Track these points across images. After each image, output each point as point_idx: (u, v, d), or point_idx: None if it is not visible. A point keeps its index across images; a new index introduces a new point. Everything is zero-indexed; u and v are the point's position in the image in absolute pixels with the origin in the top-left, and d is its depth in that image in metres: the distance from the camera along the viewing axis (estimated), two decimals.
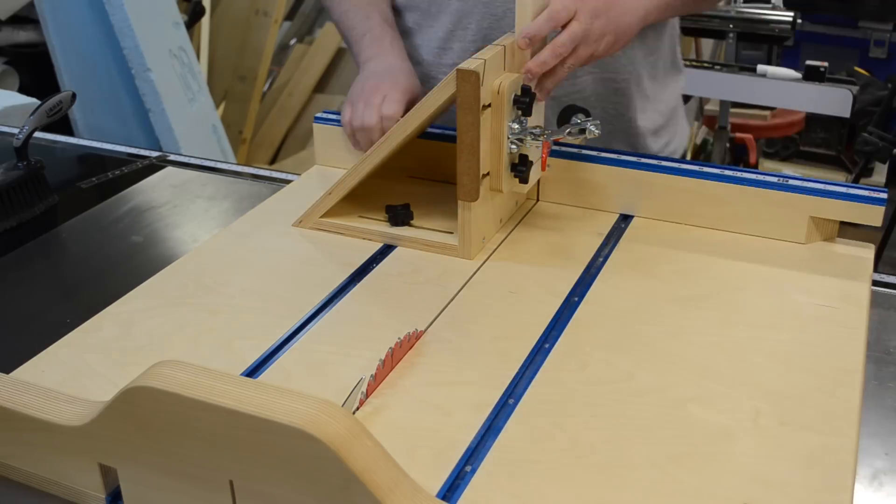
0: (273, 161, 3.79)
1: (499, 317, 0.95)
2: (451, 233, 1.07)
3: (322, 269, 1.04)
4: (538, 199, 1.18)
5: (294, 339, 0.91)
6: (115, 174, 1.37)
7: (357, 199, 1.12)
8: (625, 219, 1.14)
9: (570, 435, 0.78)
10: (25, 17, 3.07)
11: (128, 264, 1.11)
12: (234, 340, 0.91)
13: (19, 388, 0.76)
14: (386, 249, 1.08)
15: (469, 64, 0.96)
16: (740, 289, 0.99)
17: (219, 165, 1.41)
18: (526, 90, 1.03)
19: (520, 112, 1.04)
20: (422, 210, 1.12)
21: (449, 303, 0.97)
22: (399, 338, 0.87)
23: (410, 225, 1.10)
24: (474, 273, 1.02)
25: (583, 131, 1.05)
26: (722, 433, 0.78)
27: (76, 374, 0.87)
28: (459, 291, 0.99)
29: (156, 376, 0.66)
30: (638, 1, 1.09)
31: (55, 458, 0.75)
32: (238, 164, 1.54)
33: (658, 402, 0.82)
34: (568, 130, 1.04)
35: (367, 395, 0.83)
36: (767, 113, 3.87)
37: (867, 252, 1.06)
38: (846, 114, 2.88)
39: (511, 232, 1.11)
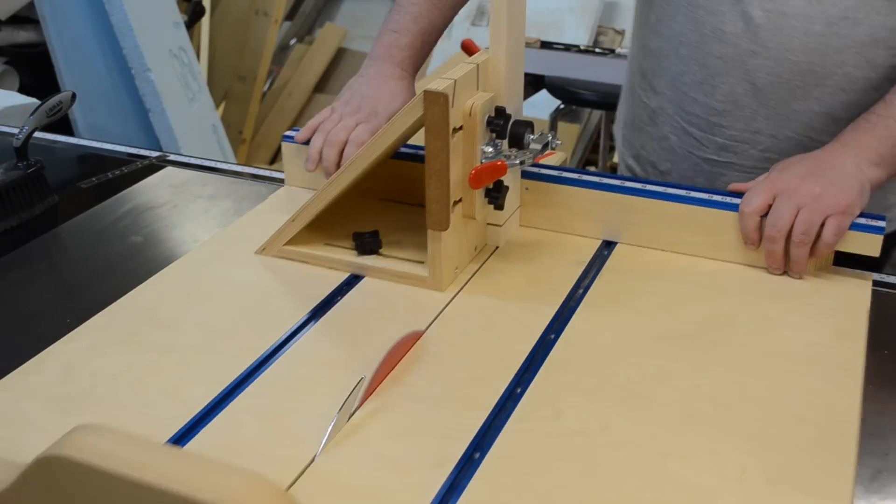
0: (273, 161, 3.76)
1: (468, 357, 0.88)
2: (423, 262, 1.00)
3: (283, 303, 0.97)
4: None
5: (248, 382, 0.85)
6: (114, 174, 1.36)
7: (324, 224, 1.06)
8: (608, 245, 1.07)
9: (539, 496, 0.71)
10: (25, 17, 3.06)
11: (128, 264, 1.09)
12: (183, 384, 0.85)
13: None
14: (353, 280, 1.01)
15: (437, 85, 0.90)
16: (728, 325, 0.93)
17: (219, 165, 1.38)
18: (500, 111, 0.97)
19: (494, 135, 0.97)
20: (392, 237, 1.06)
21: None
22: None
23: (379, 254, 1.03)
24: (445, 307, 0.96)
25: (546, 146, 0.99)
26: (704, 494, 0.72)
27: (10, 423, 0.81)
28: (428, 328, 0.93)
29: (72, 444, 0.60)
30: (847, 156, 1.01)
31: None
32: (238, 164, 1.52)
33: (636, 457, 0.75)
34: (532, 147, 0.98)
35: (365, 397, 0.82)
36: None
37: (864, 284, 0.99)
38: None
39: (487, 260, 1.05)
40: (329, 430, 0.77)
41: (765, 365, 0.87)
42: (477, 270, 1.03)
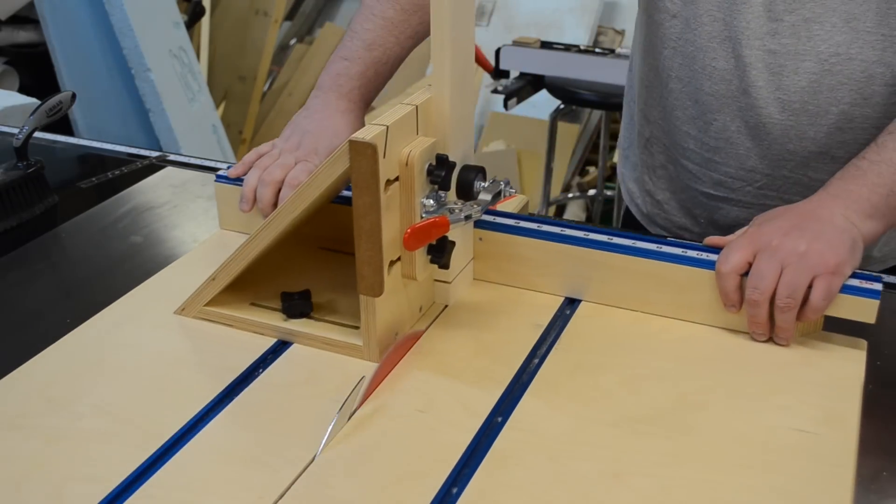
0: None
1: (399, 448, 0.77)
2: (358, 328, 0.88)
3: (196, 377, 0.86)
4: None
5: (143, 480, 0.74)
6: (114, 174, 1.36)
7: (251, 280, 0.94)
8: (570, 303, 0.96)
9: None
10: (25, 17, 3.10)
11: (128, 264, 1.08)
12: (67, 483, 0.74)
13: None
14: (280, 347, 0.90)
15: (366, 132, 0.78)
16: (700, 406, 0.81)
17: (219, 165, 1.34)
18: (442, 160, 0.85)
19: (436, 186, 0.85)
20: (327, 295, 0.94)
21: (341, 428, 0.79)
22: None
23: (310, 317, 0.92)
24: (380, 382, 0.84)
25: (498, 195, 0.88)
26: None
27: None
28: (358, 410, 0.81)
29: None
30: (836, 208, 0.90)
31: None
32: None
33: None
34: (482, 197, 0.87)
35: (365, 398, 0.81)
36: None
37: (858, 354, 0.87)
38: None
39: (433, 322, 0.93)
40: (329, 429, 0.76)
41: (741, 459, 0.75)
42: (422, 334, 0.91)
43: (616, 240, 0.93)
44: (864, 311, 0.86)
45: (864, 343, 0.89)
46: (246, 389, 0.84)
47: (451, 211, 0.86)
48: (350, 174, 0.80)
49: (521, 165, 3.57)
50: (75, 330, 0.93)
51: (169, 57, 2.89)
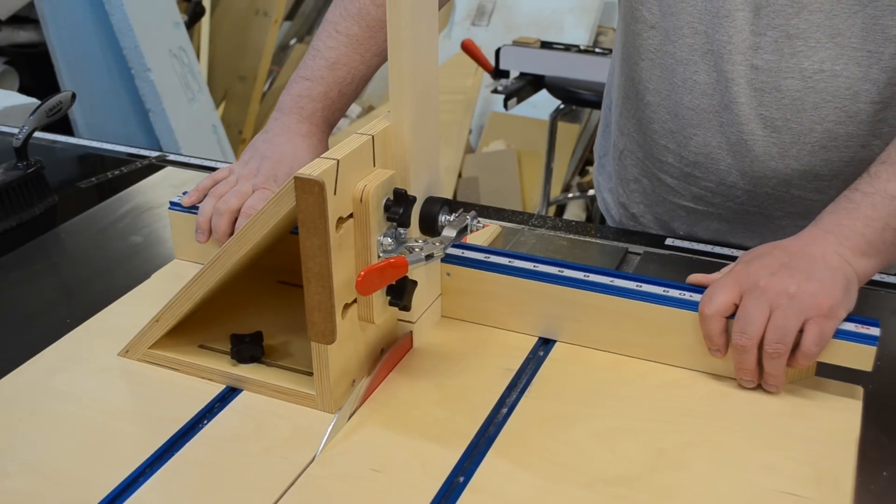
0: None
1: None
2: (311, 374, 0.82)
3: (134, 430, 0.79)
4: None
5: None
6: (114, 174, 1.35)
7: (201, 319, 0.88)
8: (545, 343, 0.89)
9: None
10: (25, 17, 3.10)
11: (127, 264, 1.08)
12: None
13: None
14: (229, 394, 0.83)
15: (313, 168, 0.72)
16: (681, 465, 0.74)
17: (219, 165, 1.34)
18: (400, 195, 0.78)
19: (394, 223, 0.79)
20: (280, 336, 0.88)
21: (288, 488, 0.72)
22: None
23: (261, 361, 0.85)
24: (333, 437, 0.78)
25: (465, 229, 0.81)
26: None
27: None
28: (307, 468, 0.74)
29: None
30: (828, 245, 0.83)
31: None
32: None
33: None
34: (446, 233, 0.80)
35: (365, 398, 0.80)
36: None
37: (853, 404, 0.80)
38: None
39: (396, 365, 0.86)
40: (329, 430, 0.75)
41: None
42: (382, 382, 0.84)
43: (592, 277, 0.86)
44: (861, 357, 0.79)
45: (860, 390, 0.82)
46: (188, 444, 0.77)
47: (411, 250, 0.79)
48: (296, 213, 0.73)
49: (521, 165, 3.53)
50: (11, 374, 0.86)
51: (169, 57, 2.88)
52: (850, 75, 0.94)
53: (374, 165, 0.79)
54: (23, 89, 2.94)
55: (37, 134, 1.22)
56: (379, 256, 0.78)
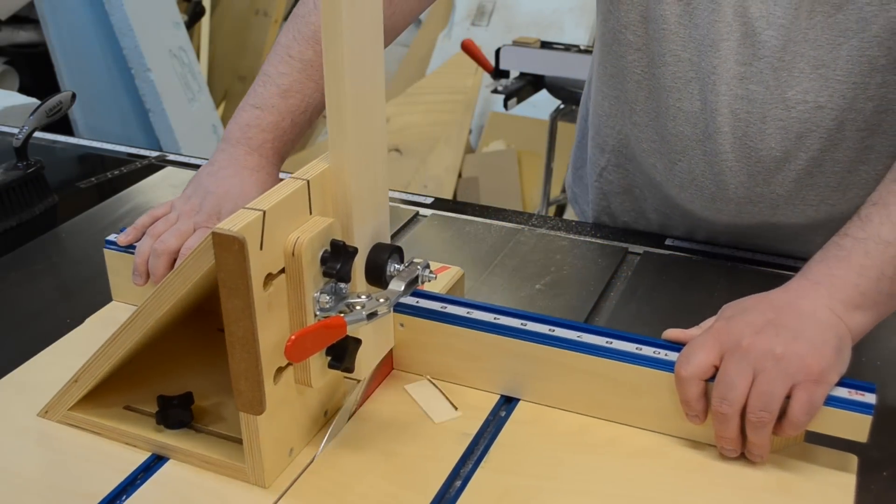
0: None
1: None
2: None
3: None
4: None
5: None
6: (114, 174, 1.36)
7: (127, 376, 0.80)
8: (507, 402, 0.81)
9: None
10: (25, 17, 3.14)
11: None
12: None
13: None
14: (154, 462, 0.75)
15: (233, 222, 0.63)
16: None
17: None
18: (337, 247, 0.70)
19: (332, 278, 0.70)
20: (215, 396, 0.80)
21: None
22: None
23: (191, 426, 0.77)
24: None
25: (415, 281, 0.73)
26: None
27: None
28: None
29: None
30: (819, 299, 0.75)
31: None
32: None
33: None
34: (393, 286, 0.72)
35: (364, 399, 0.78)
36: None
37: (846, 478, 0.72)
38: None
39: (336, 437, 0.78)
40: (330, 430, 0.74)
41: None
42: (318, 453, 0.76)
43: (558, 332, 0.77)
44: (855, 427, 0.70)
45: (855, 460, 0.74)
46: None
47: (352, 307, 0.71)
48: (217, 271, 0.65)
49: (521, 165, 3.48)
50: None
51: (169, 57, 2.90)
52: (835, 106, 0.90)
53: (311, 213, 0.71)
54: (23, 89, 2.98)
55: (37, 134, 1.22)
56: (316, 315, 0.70)
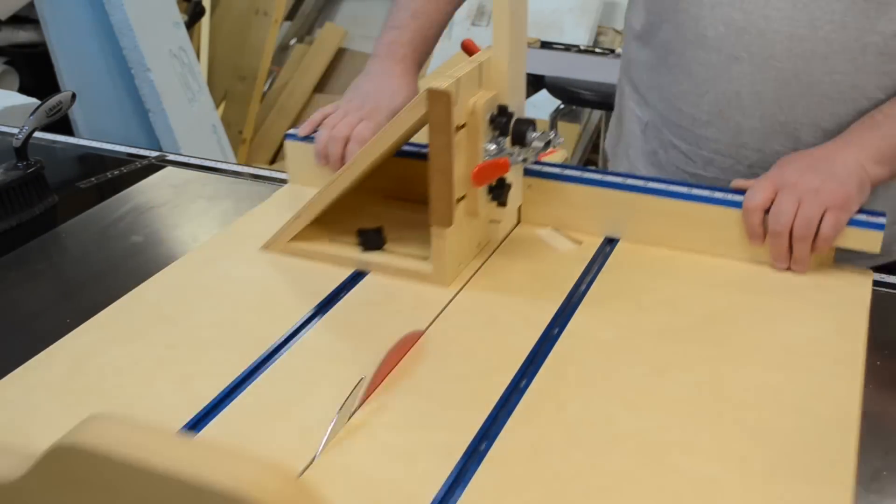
0: (273, 161, 3.77)
1: (473, 352, 0.89)
2: (427, 258, 1.01)
3: (288, 299, 0.98)
4: (519, 222, 1.12)
5: (256, 375, 0.86)
6: (114, 174, 1.36)
7: (328, 221, 1.07)
8: (610, 242, 1.08)
9: (544, 486, 0.72)
10: (25, 17, 3.09)
11: (128, 264, 1.10)
12: (191, 378, 0.86)
13: None
14: (357, 276, 1.02)
15: (440, 82, 0.91)
16: (730, 320, 0.94)
17: (219, 165, 1.38)
18: (502, 109, 0.98)
19: (497, 132, 0.98)
20: (396, 233, 1.07)
21: (420, 335, 0.91)
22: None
23: (383, 250, 1.04)
24: (449, 302, 0.97)
25: (548, 144, 1.00)
26: (707, 483, 0.72)
27: (22, 416, 0.81)
28: (432, 323, 0.93)
29: (84, 433, 0.61)
30: (849, 153, 1.00)
31: None
32: (238, 164, 1.52)
33: (639, 448, 0.76)
34: (535, 144, 0.99)
35: (365, 397, 0.82)
36: None
37: (865, 281, 1.00)
38: None
39: (490, 257, 1.06)
40: (329, 430, 0.78)
41: (765, 359, 0.88)
42: (480, 267, 1.03)
43: (652, 184, 1.05)
44: (869, 241, 0.98)
45: (871, 273, 1.02)
46: (332, 308, 0.96)
47: (510, 154, 0.99)
48: (427, 119, 0.92)
49: None
50: (169, 266, 1.05)
51: (169, 57, 2.87)
52: (859, 27, 1.01)
53: (480, 87, 0.98)
54: (23, 89, 2.95)
55: (37, 134, 1.22)
56: (484, 159, 0.98)
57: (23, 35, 3.13)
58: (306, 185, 1.22)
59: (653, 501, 0.71)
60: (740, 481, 0.73)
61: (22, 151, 1.21)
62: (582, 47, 3.06)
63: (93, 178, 1.35)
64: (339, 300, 0.98)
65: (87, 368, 0.88)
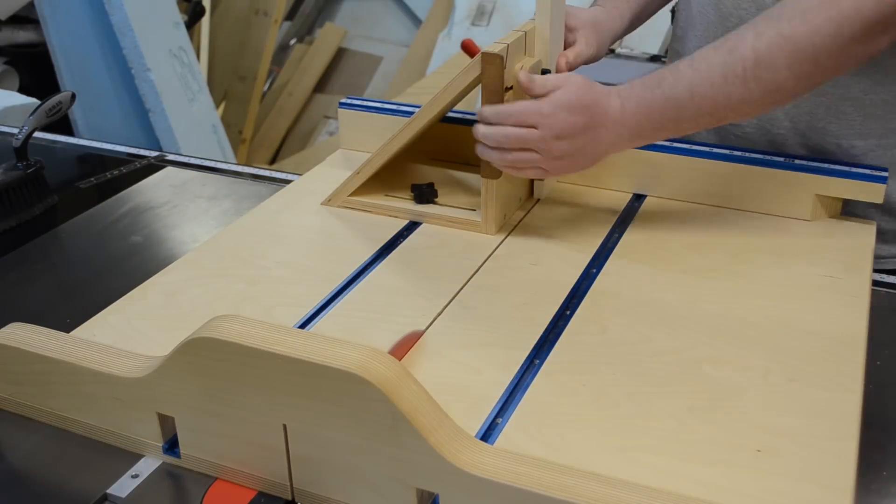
0: (273, 161, 3.82)
1: (522, 286, 1.00)
2: (474, 210, 1.12)
3: (352, 244, 1.09)
4: (555, 180, 1.24)
5: (330, 306, 0.97)
6: (114, 174, 1.38)
7: (383, 179, 1.18)
8: (638, 198, 1.19)
9: (593, 390, 0.83)
10: (25, 17, 3.13)
11: (128, 264, 1.13)
12: (273, 307, 0.97)
13: (81, 345, 0.82)
14: (412, 226, 1.13)
15: (493, 48, 1.02)
16: (749, 262, 1.05)
17: (219, 165, 1.42)
18: (546, 72, 1.09)
19: None
20: (445, 189, 1.18)
21: (474, 273, 1.02)
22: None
23: (435, 203, 1.15)
24: (497, 247, 1.08)
25: None
26: (735, 388, 0.83)
27: (125, 337, 0.92)
28: (484, 263, 1.04)
29: (215, 328, 0.72)
30: (611, 134, 1.02)
31: (115, 409, 0.80)
32: (238, 164, 1.56)
33: (674, 361, 0.87)
34: None
35: None
36: None
37: (869, 228, 1.11)
38: None
39: (530, 210, 1.17)
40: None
41: (783, 292, 0.99)
42: (522, 218, 1.14)
43: (676, 144, 1.16)
44: (871, 192, 1.09)
45: (874, 223, 1.13)
46: (393, 252, 1.07)
47: None
48: (480, 80, 1.03)
49: None
50: (239, 220, 1.16)
51: (169, 57, 2.89)
52: None
53: (525, 54, 1.09)
54: (23, 89, 2.97)
55: (37, 134, 1.23)
56: None
57: (23, 35, 3.16)
58: (356, 150, 1.33)
59: (688, 402, 0.82)
60: (765, 387, 0.83)
61: (22, 151, 1.22)
62: None
63: (92, 178, 1.36)
64: (397, 245, 1.09)
65: (179, 300, 0.99)
